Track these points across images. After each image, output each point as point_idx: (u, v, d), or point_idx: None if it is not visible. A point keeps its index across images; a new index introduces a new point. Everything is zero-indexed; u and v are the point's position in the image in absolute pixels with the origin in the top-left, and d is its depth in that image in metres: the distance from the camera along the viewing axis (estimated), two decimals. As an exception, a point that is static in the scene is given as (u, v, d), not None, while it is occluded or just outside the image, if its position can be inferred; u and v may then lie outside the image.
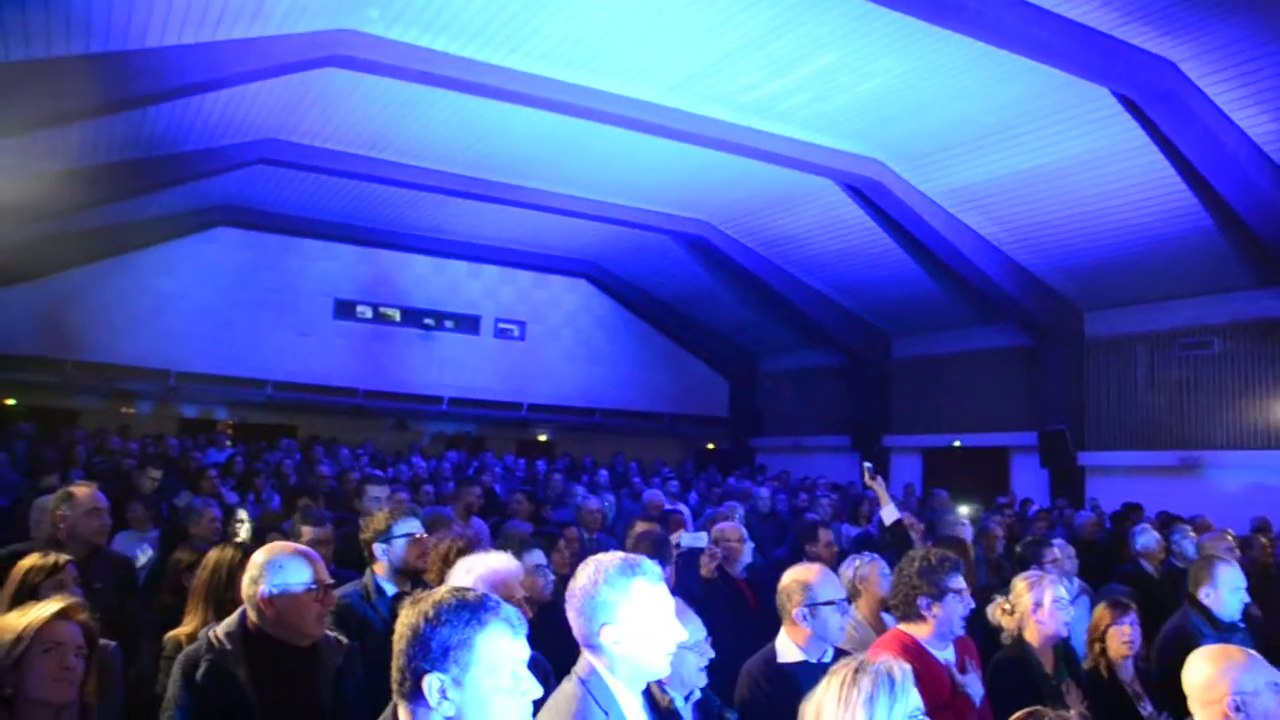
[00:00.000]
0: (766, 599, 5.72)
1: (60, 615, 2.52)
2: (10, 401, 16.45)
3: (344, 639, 3.08)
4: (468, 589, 1.98)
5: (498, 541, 5.07)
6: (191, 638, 3.43)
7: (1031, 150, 11.45)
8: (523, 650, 1.92)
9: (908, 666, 2.33)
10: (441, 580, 4.14)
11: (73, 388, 16.27)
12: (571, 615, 2.39)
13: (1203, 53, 9.07)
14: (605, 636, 2.32)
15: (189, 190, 14.32)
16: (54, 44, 8.55)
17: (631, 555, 2.43)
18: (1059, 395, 15.13)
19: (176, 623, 3.88)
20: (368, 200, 15.84)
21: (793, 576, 3.73)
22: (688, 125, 11.45)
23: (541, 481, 11.84)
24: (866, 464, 7.02)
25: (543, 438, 21.15)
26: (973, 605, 3.78)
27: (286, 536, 4.93)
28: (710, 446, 22.38)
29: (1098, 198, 12.00)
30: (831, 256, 16.05)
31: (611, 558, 2.41)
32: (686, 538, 6.11)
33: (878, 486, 6.58)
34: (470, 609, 1.89)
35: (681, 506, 9.09)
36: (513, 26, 9.57)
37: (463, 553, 3.51)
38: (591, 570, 2.38)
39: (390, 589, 3.92)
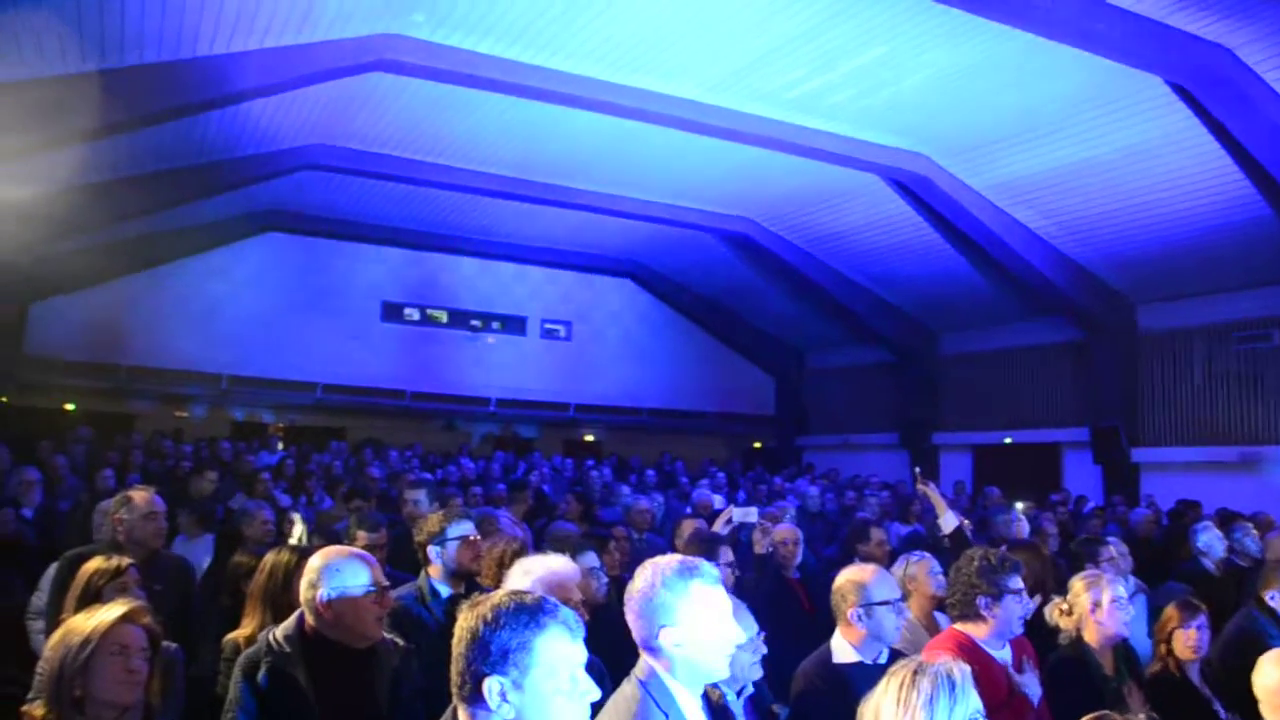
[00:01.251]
0: (818, 599, 5.71)
1: (125, 619, 2.56)
2: (69, 406, 16.79)
3: (400, 641, 3.10)
4: (525, 592, 1.98)
5: (546, 542, 5.09)
6: (250, 640, 3.47)
7: (1082, 141, 11.28)
8: (581, 653, 1.92)
9: (967, 668, 2.30)
10: (496, 582, 4.16)
11: (128, 392, 16.56)
12: (630, 618, 2.39)
13: (1260, 38, 8.87)
14: (664, 639, 2.32)
15: (239, 196, 14.51)
16: (108, 56, 8.70)
17: (689, 558, 2.43)
18: (1112, 390, 14.88)
19: (234, 625, 3.95)
20: (414, 203, 15.96)
21: (847, 577, 3.70)
22: (731, 123, 11.41)
23: (587, 481, 11.84)
24: (916, 468, 6.86)
25: (590, 438, 21.18)
26: (1032, 606, 3.73)
27: (341, 539, 4.98)
28: (757, 445, 22.28)
29: (1150, 188, 11.78)
30: (878, 252, 15.92)
31: (669, 560, 2.41)
32: (737, 513, 6.11)
33: (932, 493, 6.16)
34: (529, 612, 1.90)
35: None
36: (556, 27, 9.60)
37: (518, 555, 3.53)
38: (650, 573, 2.38)
39: (445, 591, 3.94)
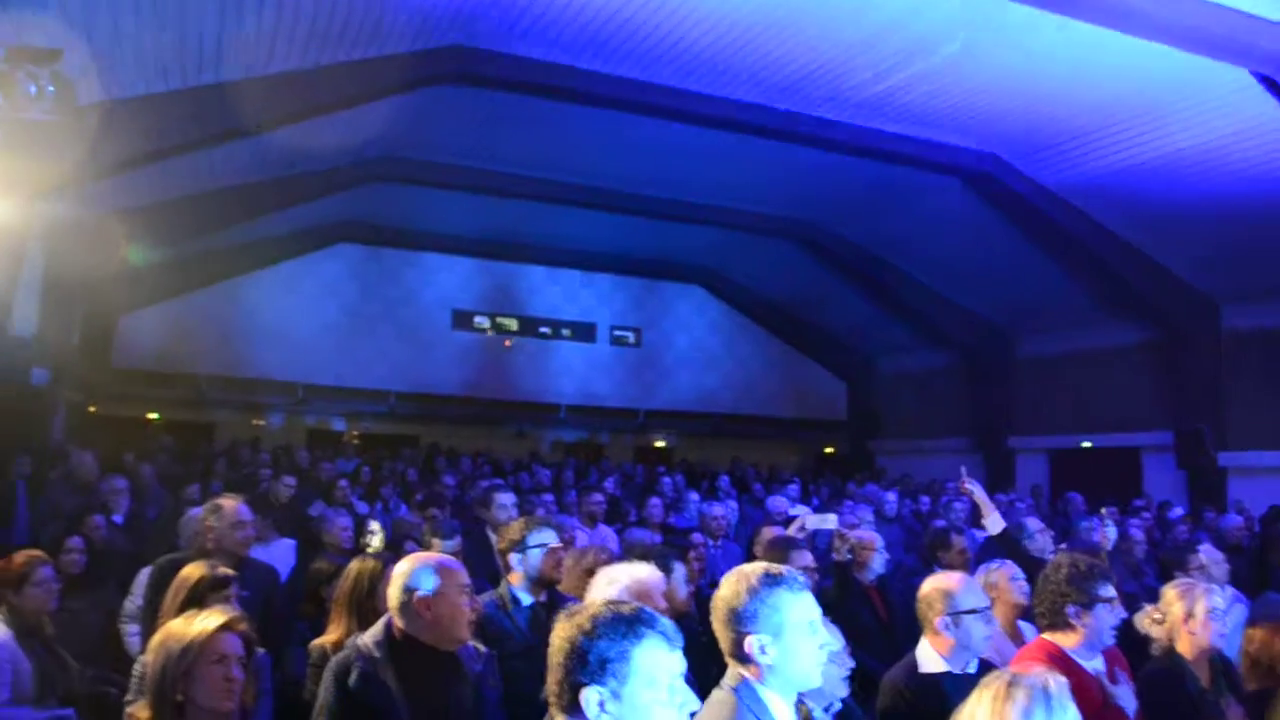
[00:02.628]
0: (894, 606, 5.64)
1: (225, 627, 2.62)
2: (152, 416, 17.25)
3: (482, 647, 3.12)
4: (624, 602, 1.99)
5: (622, 549, 5.09)
6: (336, 645, 3.52)
7: (1161, 137, 10.99)
8: (679, 663, 1.92)
9: (1063, 679, 2.25)
10: (578, 591, 4.17)
11: (207, 402, 16.97)
12: (718, 627, 2.38)
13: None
14: (754, 647, 2.31)
15: (312, 208, 14.77)
16: (188, 75, 8.92)
17: (775, 565, 2.41)
18: (1196, 392, 14.46)
19: (318, 630, 4.01)
20: (483, 212, 16.11)
21: (934, 584, 3.63)
22: (800, 126, 11.36)
23: (657, 487, 11.79)
24: (962, 468, 6.69)
25: (660, 444, 21.19)
26: (1124, 615, 3.62)
27: (420, 546, 5.03)
28: (828, 450, 22.10)
29: (1234, 183, 11.43)
30: (949, 254, 15.70)
31: (756, 568, 2.39)
32: (813, 519, 6.03)
33: (977, 494, 5.82)
34: (626, 622, 1.90)
35: (806, 510, 9.00)
36: (623, 35, 9.63)
37: (604, 564, 3.54)
38: (736, 580, 2.37)
39: (526, 599, 3.96)
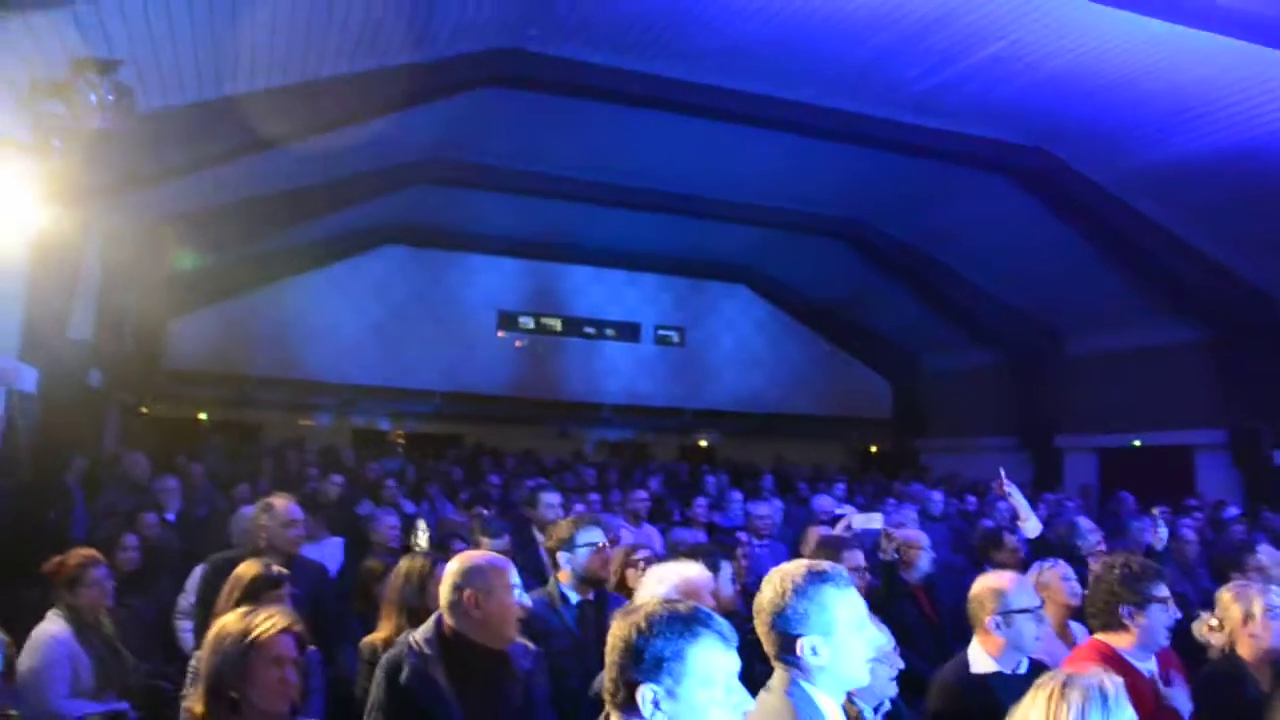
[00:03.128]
0: (943, 607, 5.59)
1: (282, 629, 2.66)
2: (202, 416, 17.52)
3: (530, 644, 3.14)
4: (679, 601, 1.99)
5: (667, 548, 5.09)
6: (386, 643, 3.56)
7: (1216, 130, 10.75)
8: (735, 662, 1.92)
9: (1120, 680, 2.22)
10: (624, 589, 4.19)
11: (255, 402, 17.20)
12: (762, 629, 2.36)
13: None
14: (802, 647, 2.29)
15: (358, 211, 14.91)
16: (239, 81, 9.04)
17: (818, 562, 2.39)
18: (1252, 390, 14.15)
19: (370, 627, 4.06)
20: (528, 213, 16.17)
21: (985, 584, 3.59)
22: (849, 124, 11.28)
23: (701, 486, 11.78)
24: (1000, 469, 6.60)
25: (704, 443, 21.16)
26: (1178, 615, 3.57)
27: (466, 544, 5.07)
28: (873, 449, 21.95)
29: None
30: (998, 251, 15.48)
31: (798, 566, 2.37)
32: (859, 518, 6.01)
33: (1015, 495, 5.79)
34: (682, 621, 1.90)
35: (852, 510, 8.95)
36: (670, 34, 9.64)
37: (650, 563, 3.56)
38: (779, 581, 2.36)
39: (574, 597, 3.99)
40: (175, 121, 8.81)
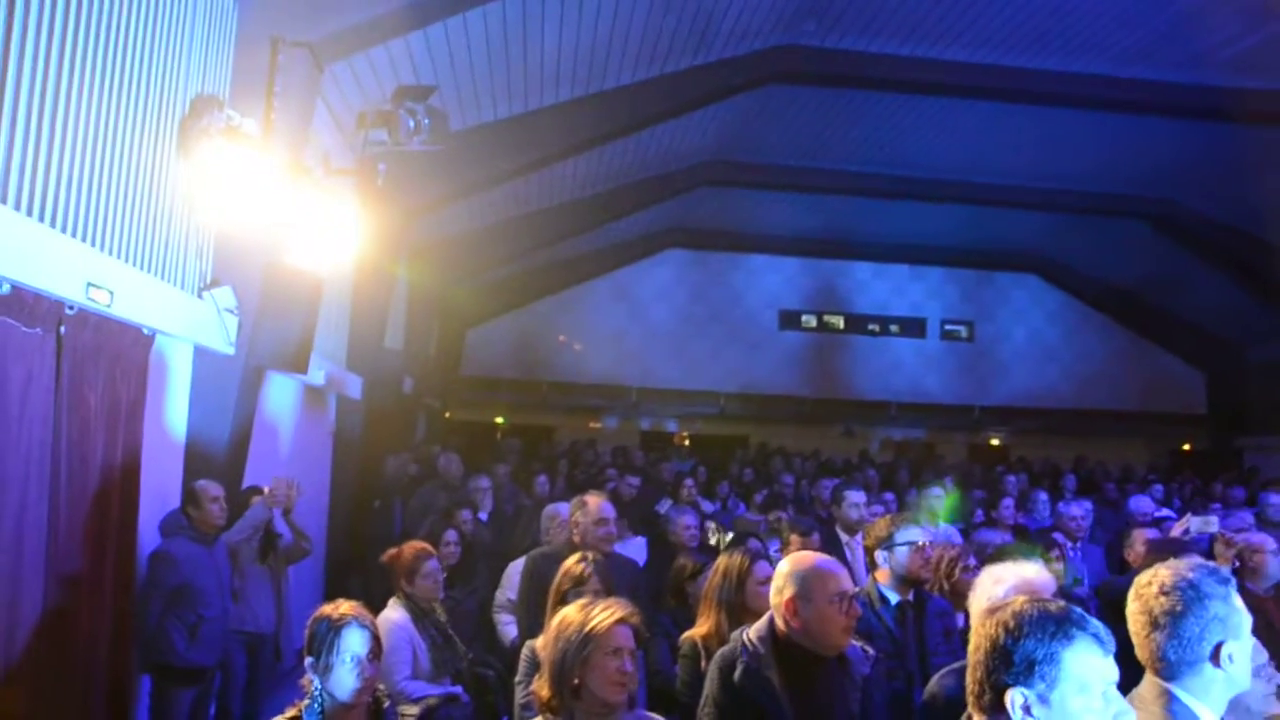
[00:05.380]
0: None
1: (621, 620, 2.72)
2: (499, 420, 18.59)
3: (869, 649, 3.05)
4: (1050, 600, 1.85)
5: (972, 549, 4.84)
6: (706, 639, 3.58)
7: None
8: (1113, 669, 1.75)
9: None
10: (947, 590, 4.03)
11: (548, 406, 18.03)
12: (1140, 631, 2.17)
13: None
14: (1192, 654, 2.08)
15: (641, 217, 15.33)
16: (532, 98, 9.49)
17: (1205, 562, 2.17)
18: None
19: (679, 623, 4.11)
20: (807, 210, 16.08)
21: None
22: (1151, 94, 10.45)
23: (1002, 486, 11.23)
24: None
25: (995, 441, 20.25)
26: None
27: (763, 544, 5.04)
28: (1185, 447, 20.20)
29: None
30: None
31: (1189, 565, 2.16)
32: (1197, 523, 5.57)
33: None
34: (1055, 621, 1.76)
35: (1169, 513, 8.29)
36: (951, 18, 9.30)
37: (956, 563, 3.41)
38: (1166, 579, 2.15)
39: (893, 598, 3.87)
40: (478, 140, 9.36)
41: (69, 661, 4.39)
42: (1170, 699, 2.11)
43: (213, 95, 5.66)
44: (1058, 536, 6.48)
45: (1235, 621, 2.12)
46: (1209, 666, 2.09)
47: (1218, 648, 2.09)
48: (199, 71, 5.60)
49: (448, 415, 17.59)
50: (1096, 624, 1.77)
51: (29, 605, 4.05)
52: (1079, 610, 1.79)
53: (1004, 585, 2.74)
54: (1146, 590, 2.19)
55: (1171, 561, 2.25)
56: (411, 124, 6.05)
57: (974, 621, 1.91)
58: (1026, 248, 18.56)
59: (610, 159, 12.04)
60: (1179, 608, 2.12)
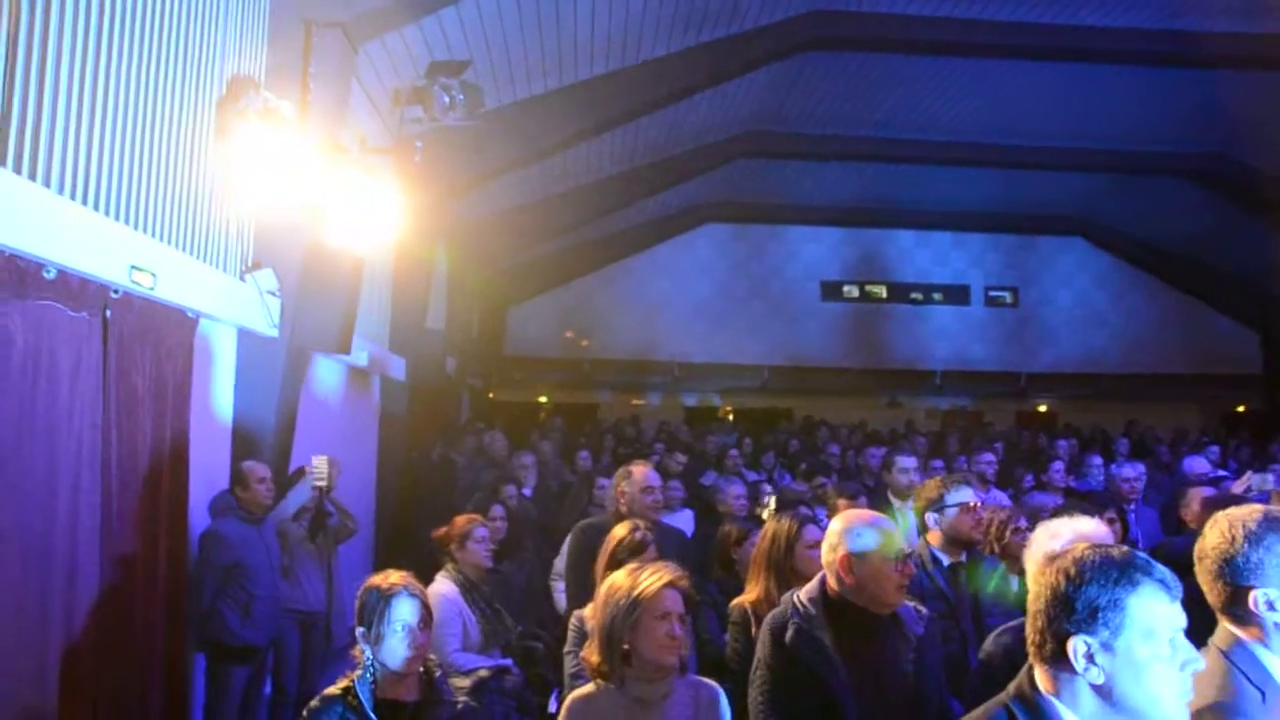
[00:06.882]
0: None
1: (670, 584, 2.72)
2: (543, 399, 18.65)
3: (923, 609, 3.01)
4: (1112, 546, 1.79)
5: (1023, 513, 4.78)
6: (755, 604, 3.56)
7: None
8: (1181, 616, 1.69)
9: None
10: (998, 552, 3.98)
11: (591, 383, 18.05)
12: (1206, 578, 2.11)
13: None
14: (1255, 601, 2.02)
15: (678, 192, 15.25)
16: (564, 74, 9.45)
17: (1277, 509, 2.11)
18: None
19: (726, 592, 4.10)
20: (847, 180, 15.88)
21: None
22: (1201, 45, 10.14)
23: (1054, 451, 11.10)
24: None
25: (1043, 408, 20.00)
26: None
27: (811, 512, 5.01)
28: (1239, 409, 19.81)
29: None
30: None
31: (1251, 511, 2.10)
32: (1257, 480, 5.49)
33: None
34: (1118, 567, 1.70)
35: (1226, 474, 8.16)
36: (992, -26, 9.11)
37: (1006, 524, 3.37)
38: (1227, 526, 2.09)
39: (945, 559, 3.83)
40: (513, 117, 9.35)
41: (127, 641, 4.46)
42: (1233, 641, 2.05)
43: (249, 77, 5.68)
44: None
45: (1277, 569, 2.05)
46: (1255, 611, 2.03)
47: (1256, 593, 2.03)
48: (234, 54, 5.63)
49: (491, 395, 17.69)
50: (1162, 569, 1.70)
51: (86, 586, 4.12)
52: (1143, 555, 1.73)
53: (1060, 540, 2.68)
54: (1213, 532, 2.13)
55: (1250, 506, 2.18)
56: (446, 100, 6.05)
57: (1032, 572, 1.84)
58: (1070, 210, 18.23)
59: (646, 133, 11.97)
60: (1229, 550, 2.06)
